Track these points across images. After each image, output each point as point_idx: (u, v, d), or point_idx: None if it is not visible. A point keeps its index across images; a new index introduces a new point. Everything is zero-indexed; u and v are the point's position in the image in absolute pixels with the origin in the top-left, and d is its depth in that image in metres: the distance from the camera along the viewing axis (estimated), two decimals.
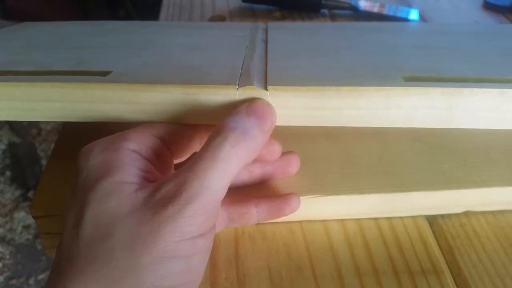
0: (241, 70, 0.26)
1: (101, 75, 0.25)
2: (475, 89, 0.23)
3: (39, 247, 1.13)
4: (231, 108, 0.23)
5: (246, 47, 0.31)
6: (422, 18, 0.59)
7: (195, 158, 0.20)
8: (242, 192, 0.28)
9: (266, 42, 0.34)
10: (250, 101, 0.23)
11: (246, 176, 0.28)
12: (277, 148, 0.27)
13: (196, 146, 0.26)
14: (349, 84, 0.23)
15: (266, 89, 0.23)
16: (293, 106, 0.23)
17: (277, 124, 0.24)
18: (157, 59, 0.29)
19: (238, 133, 0.21)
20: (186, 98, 0.24)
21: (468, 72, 0.26)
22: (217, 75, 0.25)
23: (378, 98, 0.23)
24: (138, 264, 0.18)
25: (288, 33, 0.36)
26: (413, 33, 0.38)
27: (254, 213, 0.26)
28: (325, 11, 0.61)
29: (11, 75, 0.26)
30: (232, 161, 0.20)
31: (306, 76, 0.25)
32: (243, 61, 0.28)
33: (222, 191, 0.20)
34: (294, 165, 0.29)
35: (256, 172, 0.28)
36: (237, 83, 0.24)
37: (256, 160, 0.27)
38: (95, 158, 0.21)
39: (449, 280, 0.26)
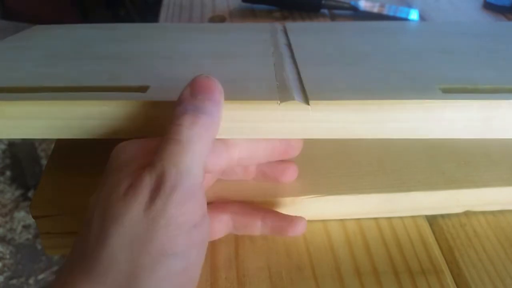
0: (277, 81, 0.26)
1: (139, 91, 0.25)
2: None
3: (39, 247, 1.13)
4: (272, 121, 0.24)
5: (272, 52, 0.32)
6: (422, 18, 0.59)
7: (161, 148, 0.20)
8: (251, 205, 0.28)
9: (289, 46, 0.34)
10: (190, 82, 0.23)
11: (241, 172, 0.28)
12: (296, 145, 0.27)
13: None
14: (391, 97, 0.23)
15: (307, 103, 0.23)
16: (333, 119, 0.24)
17: (316, 137, 0.24)
18: (189, 71, 0.28)
19: (190, 115, 0.21)
20: (227, 113, 0.23)
21: (500, 80, 0.26)
22: (256, 89, 0.25)
23: (418, 111, 0.23)
24: (138, 266, 0.18)
25: (309, 36, 0.37)
26: (431, 34, 0.39)
27: (258, 226, 0.26)
28: (325, 11, 0.61)
29: (47, 92, 0.25)
30: (195, 141, 0.21)
31: (344, 88, 0.25)
32: (274, 70, 0.28)
33: (200, 173, 0.21)
34: (288, 175, 0.29)
35: (251, 169, 0.28)
36: (277, 97, 0.24)
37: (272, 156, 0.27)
38: (122, 151, 0.22)
39: (449, 280, 0.26)
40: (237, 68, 0.29)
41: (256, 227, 0.26)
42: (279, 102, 0.24)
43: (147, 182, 0.20)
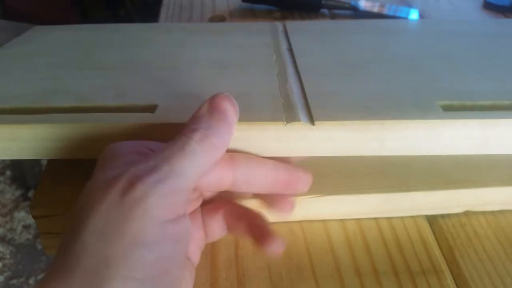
0: (281, 98, 0.27)
1: (148, 110, 0.26)
2: (510, 120, 0.24)
3: (39, 247, 1.13)
4: (277, 141, 0.24)
5: (274, 60, 0.32)
6: (422, 18, 0.59)
7: (164, 150, 0.21)
8: (243, 208, 0.27)
9: (291, 51, 0.34)
10: (211, 99, 0.23)
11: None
12: (304, 177, 0.25)
13: None
14: (393, 117, 0.24)
15: (312, 123, 0.24)
16: (337, 138, 0.24)
17: (320, 155, 0.25)
18: (195, 85, 0.29)
19: (202, 132, 0.21)
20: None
21: (498, 93, 0.27)
22: (261, 108, 0.26)
23: (420, 130, 0.24)
24: (109, 254, 0.18)
25: (310, 38, 0.37)
26: (432, 36, 0.39)
27: (242, 231, 0.25)
28: (325, 11, 0.61)
29: (55, 112, 0.26)
30: (199, 154, 0.21)
31: (347, 105, 0.26)
32: (278, 81, 0.29)
33: (191, 180, 0.21)
34: (286, 206, 0.26)
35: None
36: (283, 117, 0.24)
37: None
38: (111, 151, 0.22)
39: (449, 280, 0.26)
40: (241, 80, 0.30)
41: (241, 231, 0.25)
42: (285, 123, 0.24)
43: (132, 173, 0.20)
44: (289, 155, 0.25)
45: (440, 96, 0.27)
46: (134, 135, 0.25)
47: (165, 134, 0.24)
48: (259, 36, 0.38)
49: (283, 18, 0.60)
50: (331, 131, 0.24)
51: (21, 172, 1.31)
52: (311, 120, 0.24)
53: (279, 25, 0.41)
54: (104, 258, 0.18)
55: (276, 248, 0.24)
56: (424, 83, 0.29)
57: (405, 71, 0.31)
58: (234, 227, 0.26)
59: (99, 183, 0.20)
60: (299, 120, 0.24)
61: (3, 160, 1.35)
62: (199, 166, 0.21)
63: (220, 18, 0.59)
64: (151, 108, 0.26)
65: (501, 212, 0.30)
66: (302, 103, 0.26)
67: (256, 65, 0.32)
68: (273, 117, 0.25)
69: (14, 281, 1.06)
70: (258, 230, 0.25)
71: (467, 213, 0.30)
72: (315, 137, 0.24)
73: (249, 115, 0.25)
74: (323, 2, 0.59)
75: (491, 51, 0.34)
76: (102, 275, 0.18)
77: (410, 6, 0.61)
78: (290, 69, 0.31)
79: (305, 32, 0.39)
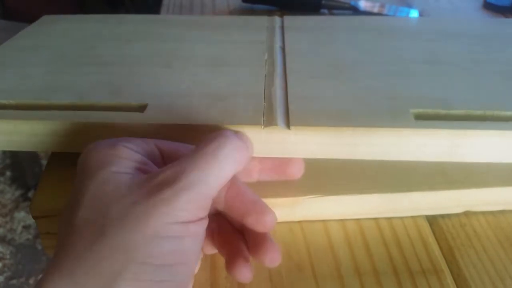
0: (265, 101, 0.28)
1: (138, 109, 0.27)
2: (478, 131, 0.25)
3: (39, 247, 1.13)
4: (254, 143, 0.25)
5: (265, 60, 0.34)
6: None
7: (195, 152, 0.21)
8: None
9: (283, 49, 0.35)
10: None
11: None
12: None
13: None
14: (365, 124, 0.25)
15: (288, 128, 0.25)
16: (312, 142, 0.25)
17: (295, 156, 0.26)
18: (185, 83, 0.30)
19: (239, 141, 0.22)
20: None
21: (474, 102, 0.28)
22: (243, 110, 0.27)
23: (389, 137, 0.25)
24: (129, 241, 0.19)
25: (304, 37, 0.38)
26: (425, 36, 0.39)
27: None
28: (325, 11, 0.61)
29: (54, 110, 0.28)
30: (230, 162, 0.21)
31: (326, 111, 0.27)
32: (264, 83, 0.30)
33: (216, 189, 0.21)
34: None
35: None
36: (262, 121, 0.26)
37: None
38: (96, 153, 0.22)
39: (449, 280, 0.26)
40: (229, 81, 0.31)
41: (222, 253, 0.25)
42: (263, 126, 0.25)
43: (158, 180, 0.20)
44: (264, 155, 0.26)
45: (416, 104, 0.27)
46: (124, 133, 0.26)
47: (153, 133, 0.25)
48: (256, 33, 0.39)
49: None
50: (306, 136, 0.25)
51: (21, 172, 1.31)
52: (288, 124, 0.25)
53: (277, 20, 0.42)
54: (122, 245, 0.19)
55: (242, 275, 0.23)
56: (404, 89, 0.29)
57: (389, 75, 0.31)
58: (220, 249, 0.25)
59: (118, 184, 0.20)
60: (276, 125, 0.25)
61: (3, 160, 1.35)
62: (225, 175, 0.22)
63: None
64: (142, 108, 0.27)
65: (501, 212, 0.30)
66: (282, 107, 0.27)
67: (247, 64, 0.33)
68: (252, 121, 0.26)
69: (14, 281, 1.06)
70: (235, 255, 0.23)
71: (467, 213, 0.30)
72: (291, 140, 0.25)
73: (231, 117, 0.26)
74: (323, 2, 0.59)
75: (482, 56, 0.34)
76: (119, 258, 0.19)
77: (410, 6, 0.61)
78: (279, 70, 0.32)
79: (301, 30, 0.39)
